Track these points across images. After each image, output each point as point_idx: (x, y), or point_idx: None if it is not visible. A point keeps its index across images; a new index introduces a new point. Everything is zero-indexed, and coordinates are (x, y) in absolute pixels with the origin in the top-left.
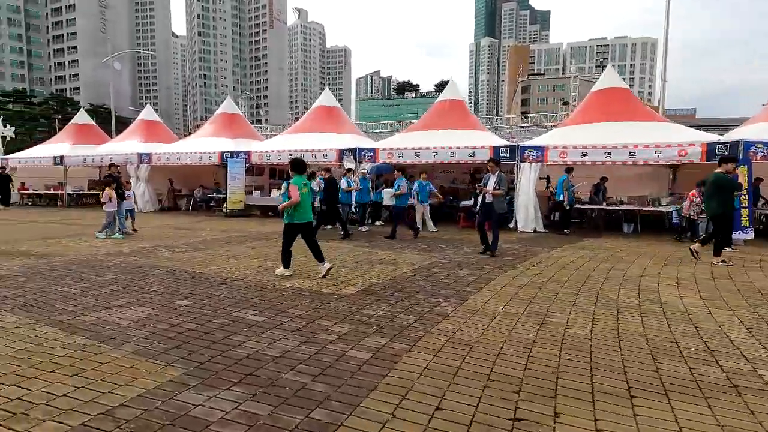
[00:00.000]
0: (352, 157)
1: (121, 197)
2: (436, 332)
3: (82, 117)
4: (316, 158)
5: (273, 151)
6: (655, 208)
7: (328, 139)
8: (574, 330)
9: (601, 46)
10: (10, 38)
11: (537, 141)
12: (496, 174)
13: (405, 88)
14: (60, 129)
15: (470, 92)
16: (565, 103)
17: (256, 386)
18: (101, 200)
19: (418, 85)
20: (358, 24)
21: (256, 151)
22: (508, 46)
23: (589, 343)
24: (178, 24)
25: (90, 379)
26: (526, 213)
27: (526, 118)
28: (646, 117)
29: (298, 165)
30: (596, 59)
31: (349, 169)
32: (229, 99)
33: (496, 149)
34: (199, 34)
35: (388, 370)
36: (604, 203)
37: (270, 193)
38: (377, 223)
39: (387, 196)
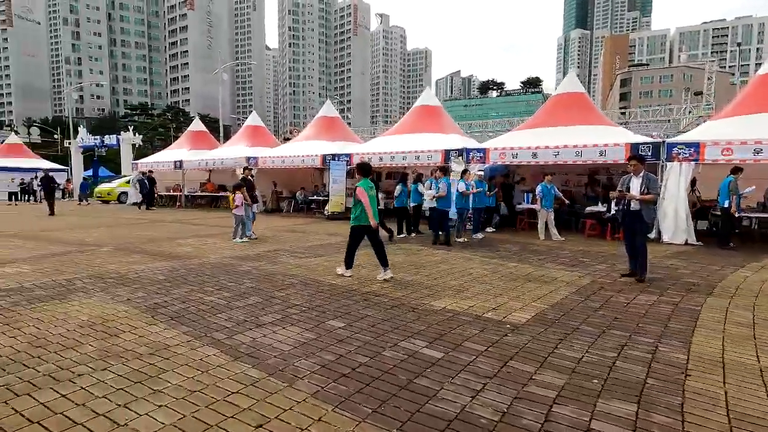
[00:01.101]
0: (460, 158)
1: (255, 200)
2: (694, 396)
3: (196, 125)
4: (420, 159)
5: (375, 153)
6: None
7: (431, 139)
8: None
9: (718, 29)
10: (136, 59)
11: (688, 136)
12: (641, 175)
13: (489, 86)
14: (174, 137)
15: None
16: (697, 94)
17: None
18: (233, 204)
19: (503, 84)
20: (438, 25)
21: (357, 154)
22: (602, 36)
23: None
24: (270, 37)
25: None
26: (675, 222)
27: (623, 113)
28: None
29: (364, 168)
30: (712, 45)
31: (465, 171)
32: (329, 102)
33: (634, 146)
34: (290, 45)
35: None
36: None
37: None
38: (488, 229)
39: (427, 198)
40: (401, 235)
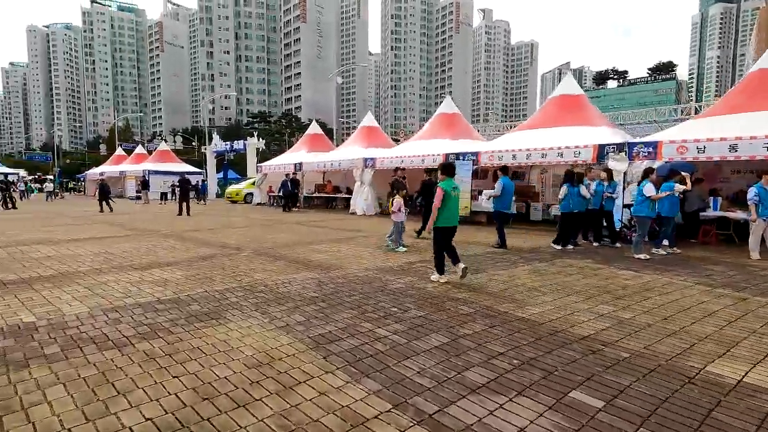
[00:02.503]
0: (622, 153)
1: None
2: None
3: (314, 128)
4: (563, 157)
5: (506, 151)
6: None
7: (577, 133)
8: None
9: None
10: (257, 72)
11: None
12: None
13: (607, 76)
14: (288, 142)
15: (691, 74)
16: None
17: None
18: (391, 209)
19: (625, 72)
20: (546, 15)
21: (485, 152)
22: (755, 9)
23: None
24: (371, 42)
25: None
26: None
27: None
28: None
29: (447, 168)
30: None
31: (651, 170)
32: (449, 99)
33: None
34: (392, 49)
35: None
36: None
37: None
38: (664, 243)
39: (484, 198)
40: (558, 247)
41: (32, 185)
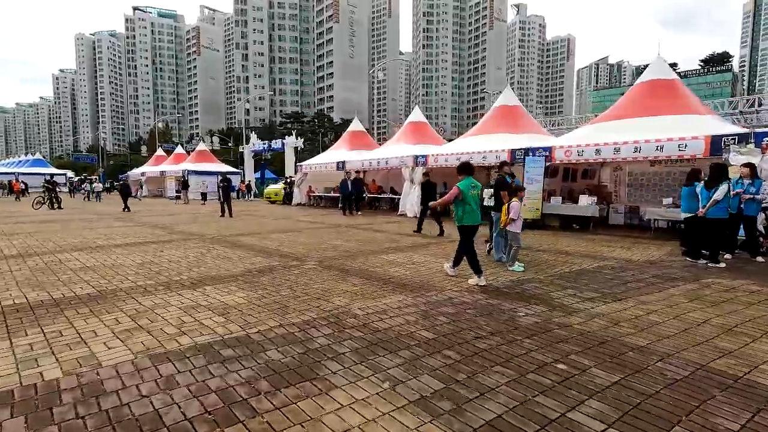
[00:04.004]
0: (750, 145)
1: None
2: None
3: (356, 125)
4: (664, 151)
5: (588, 146)
6: None
7: (679, 122)
8: None
9: None
10: (290, 73)
11: None
12: None
13: None
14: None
15: (742, 66)
16: None
17: None
18: (505, 217)
19: (675, 64)
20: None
21: (560, 147)
22: None
23: None
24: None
25: None
26: None
27: None
28: None
29: (465, 168)
30: None
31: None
32: (508, 89)
33: None
34: (423, 47)
35: None
36: None
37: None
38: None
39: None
40: (701, 262)
41: (94, 185)
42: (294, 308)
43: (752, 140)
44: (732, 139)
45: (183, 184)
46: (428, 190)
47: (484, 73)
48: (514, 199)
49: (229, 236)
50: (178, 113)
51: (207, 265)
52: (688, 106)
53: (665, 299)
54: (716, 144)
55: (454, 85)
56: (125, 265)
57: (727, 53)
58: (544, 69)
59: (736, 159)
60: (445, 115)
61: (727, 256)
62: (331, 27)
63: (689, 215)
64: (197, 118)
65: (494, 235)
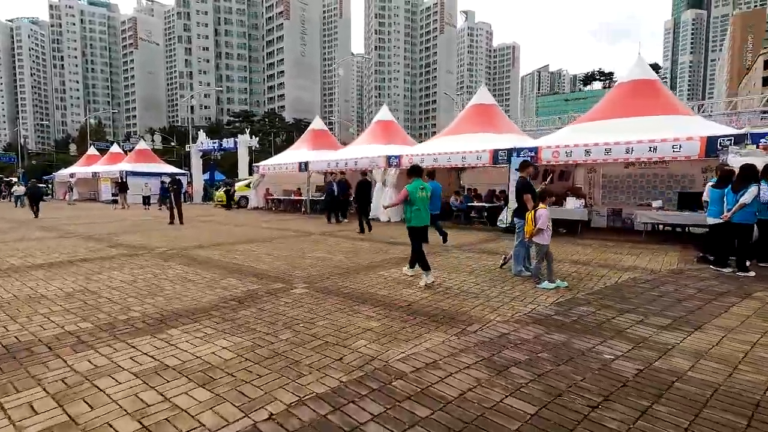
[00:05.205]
0: (751, 146)
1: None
2: None
3: (317, 124)
4: (657, 152)
5: (576, 146)
6: None
7: (668, 123)
8: None
9: None
10: (238, 70)
11: None
12: None
13: (594, 77)
14: (272, 142)
15: (665, 78)
16: None
17: None
18: (532, 226)
19: (611, 74)
20: (527, 18)
21: (548, 147)
22: (723, 16)
23: None
24: (354, 42)
25: None
26: None
27: None
28: None
29: (414, 170)
30: None
31: None
32: (483, 88)
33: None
34: (376, 48)
35: None
36: None
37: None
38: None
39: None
40: (725, 270)
41: (14, 188)
42: (308, 365)
43: (749, 141)
44: (728, 140)
45: (121, 187)
46: (363, 190)
47: (435, 76)
48: (541, 206)
49: (186, 249)
50: (113, 109)
51: (165, 293)
52: (674, 106)
53: (742, 323)
54: (712, 145)
55: (407, 88)
56: (48, 297)
57: (657, 64)
58: (491, 74)
59: (736, 160)
60: (398, 117)
61: (762, 263)
62: (282, 24)
63: (717, 221)
64: (135, 115)
65: (515, 245)
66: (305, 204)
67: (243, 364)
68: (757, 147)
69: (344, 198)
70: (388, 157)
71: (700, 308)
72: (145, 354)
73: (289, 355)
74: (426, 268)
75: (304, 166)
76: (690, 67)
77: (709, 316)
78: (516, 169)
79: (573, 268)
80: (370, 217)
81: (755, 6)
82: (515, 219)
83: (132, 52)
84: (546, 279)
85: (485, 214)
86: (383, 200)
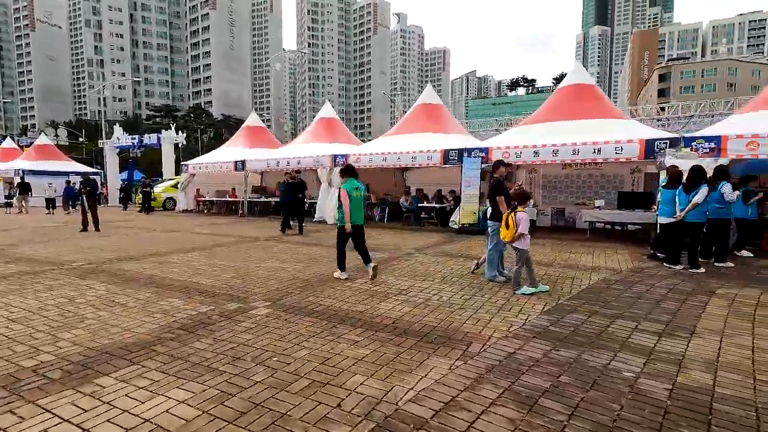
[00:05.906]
0: (686, 149)
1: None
2: None
3: (254, 120)
4: (601, 154)
5: (526, 147)
6: None
7: (608, 126)
8: None
9: (755, 21)
10: (158, 60)
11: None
12: None
13: (519, 84)
14: (200, 138)
15: None
16: None
17: None
18: (513, 230)
19: (534, 80)
20: (455, 24)
21: (498, 147)
22: (624, 33)
23: None
24: (286, 39)
25: None
26: None
27: (662, 109)
28: None
29: (348, 170)
30: (748, 38)
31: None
32: (429, 88)
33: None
34: (309, 45)
35: None
36: None
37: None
38: (745, 253)
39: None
40: (677, 267)
41: None
42: (300, 419)
43: (682, 144)
44: (664, 143)
45: (22, 188)
46: (294, 191)
47: (370, 76)
48: (520, 209)
49: (107, 262)
50: (4, 99)
51: (87, 324)
52: (612, 110)
53: (727, 325)
54: (650, 147)
55: (341, 87)
56: None
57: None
58: (424, 77)
59: (672, 162)
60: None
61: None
62: (208, 14)
63: (670, 220)
64: (33, 107)
65: (489, 249)
66: (242, 206)
67: (212, 426)
68: (691, 150)
69: (299, 203)
70: (334, 156)
71: (679, 309)
72: (66, 421)
73: (272, 405)
74: (342, 267)
75: (240, 165)
76: (598, 77)
77: (693, 318)
78: (470, 168)
79: (542, 270)
80: (315, 219)
81: (650, 26)
82: (489, 222)
83: (28, 34)
84: (526, 284)
85: (433, 214)
86: (329, 201)
